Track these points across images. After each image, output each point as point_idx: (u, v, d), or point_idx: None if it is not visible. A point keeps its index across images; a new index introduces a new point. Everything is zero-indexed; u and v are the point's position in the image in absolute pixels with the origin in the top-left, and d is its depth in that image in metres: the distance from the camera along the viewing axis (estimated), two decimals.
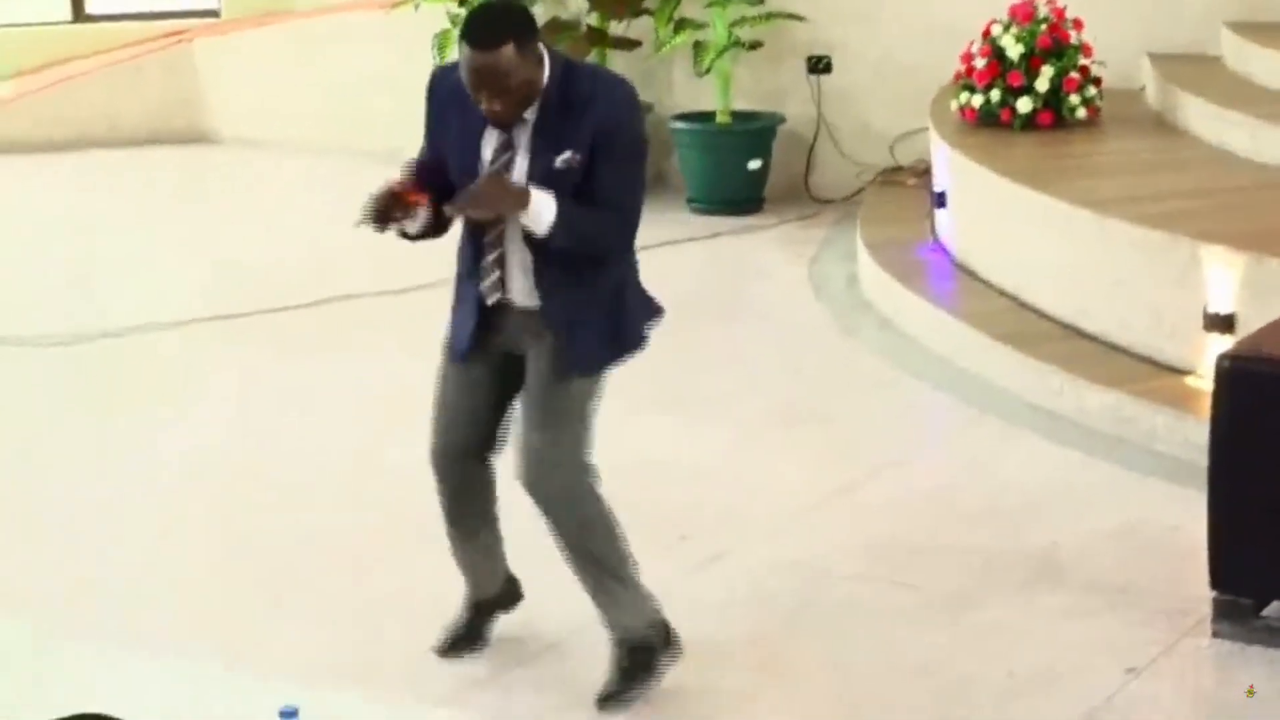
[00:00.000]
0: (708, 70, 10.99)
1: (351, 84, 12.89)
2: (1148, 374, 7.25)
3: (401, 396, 7.16)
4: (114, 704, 3.56)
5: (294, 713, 3.35)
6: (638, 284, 5.25)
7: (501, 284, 5.06)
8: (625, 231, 5.07)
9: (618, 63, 11.47)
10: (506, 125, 4.90)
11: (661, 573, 5.96)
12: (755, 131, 11.06)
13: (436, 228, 5.05)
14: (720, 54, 10.91)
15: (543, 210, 4.87)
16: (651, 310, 5.30)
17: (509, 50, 4.75)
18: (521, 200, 4.87)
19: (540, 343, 5.09)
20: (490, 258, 5.05)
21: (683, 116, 11.22)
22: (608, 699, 5.22)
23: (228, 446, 7.46)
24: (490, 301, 5.09)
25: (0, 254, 10.63)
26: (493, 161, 4.95)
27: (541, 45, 4.90)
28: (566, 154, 4.90)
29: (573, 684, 5.33)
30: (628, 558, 5.27)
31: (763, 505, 6.62)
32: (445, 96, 5.05)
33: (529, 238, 4.95)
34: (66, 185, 12.48)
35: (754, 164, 10.95)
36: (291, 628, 5.81)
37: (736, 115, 11.13)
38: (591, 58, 11.28)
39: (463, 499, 5.36)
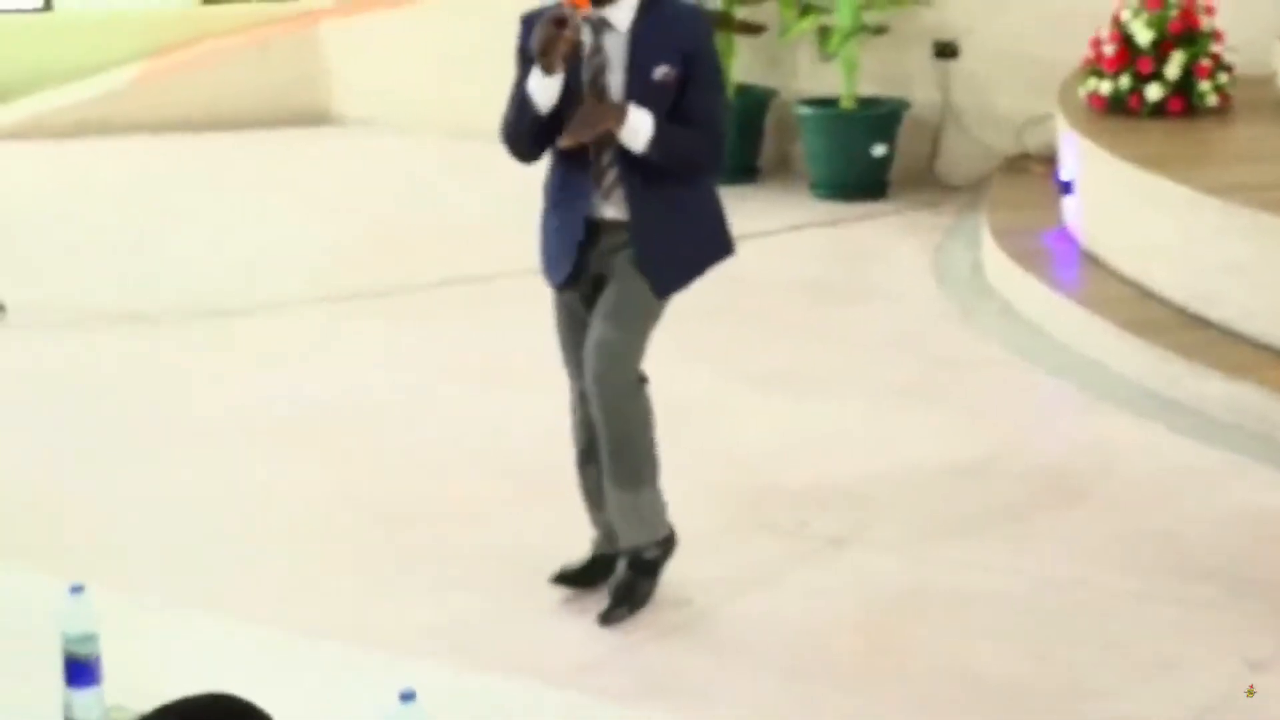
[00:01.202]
0: (833, 55, 10.93)
1: (475, 66, 12.92)
2: (1270, 363, 7.15)
3: (511, 367, 7.25)
4: (227, 678, 3.57)
5: (412, 695, 3.35)
6: (720, 216, 5.50)
7: (606, 196, 5.31)
8: (716, 153, 5.36)
9: (743, 47, 11.47)
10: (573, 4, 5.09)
11: (780, 555, 5.98)
12: (880, 117, 10.99)
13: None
14: (846, 39, 10.85)
15: (640, 126, 5.14)
16: (727, 247, 5.53)
17: None
18: (620, 115, 5.12)
19: (622, 254, 5.32)
20: (609, 174, 5.28)
21: (808, 102, 11.17)
22: (610, 614, 5.49)
23: (338, 412, 7.57)
24: (599, 214, 5.32)
25: (124, 233, 10.72)
26: (589, 65, 5.20)
27: None
28: (664, 68, 5.19)
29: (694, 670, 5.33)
30: (658, 464, 5.53)
31: (881, 487, 6.60)
32: (537, 25, 5.20)
33: (623, 153, 5.21)
34: (191, 166, 12.58)
35: (879, 150, 10.88)
36: (403, 596, 5.85)
37: (862, 100, 11.06)
38: (718, 42, 11.25)
39: (585, 423, 5.56)
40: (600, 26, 5.24)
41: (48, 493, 6.83)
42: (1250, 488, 6.45)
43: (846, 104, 11.00)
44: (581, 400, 5.51)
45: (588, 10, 5.13)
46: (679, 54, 5.21)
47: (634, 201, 5.29)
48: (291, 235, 10.57)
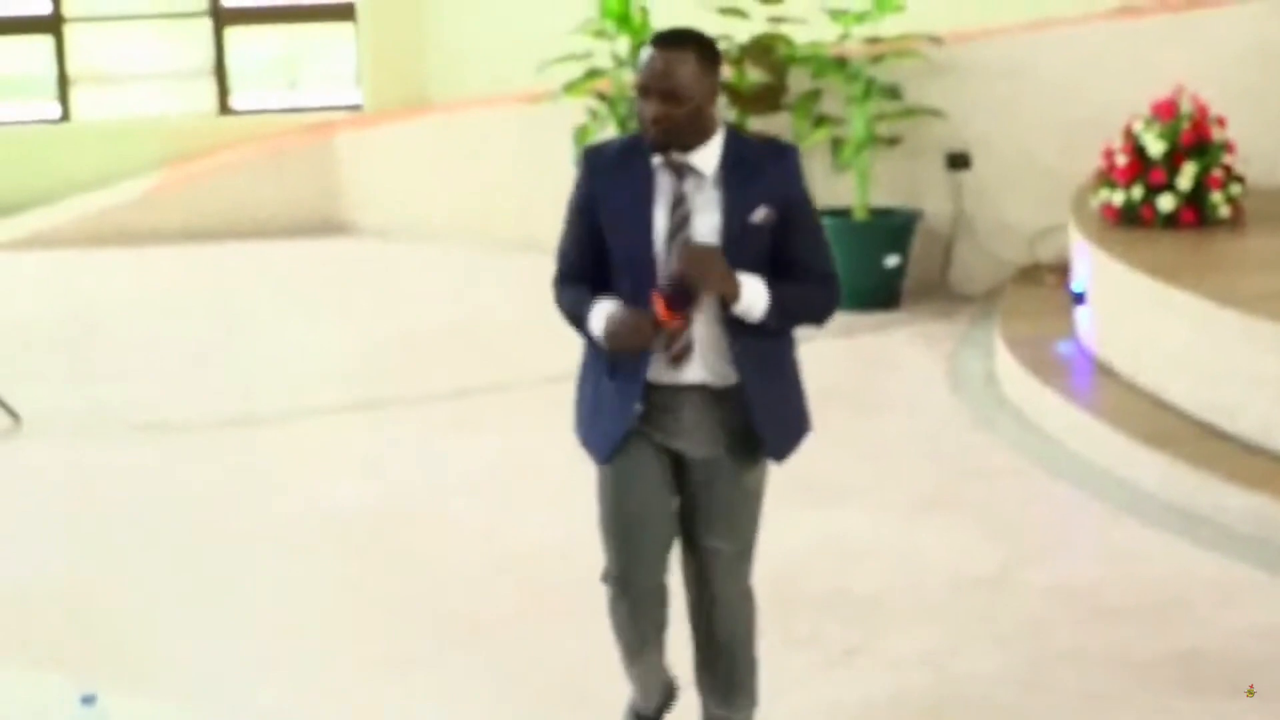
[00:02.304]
0: (847, 166, 10.99)
1: (491, 177, 13.01)
2: None
3: (538, 476, 7.22)
4: None
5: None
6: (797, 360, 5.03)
7: (684, 362, 4.79)
8: (835, 303, 4.91)
9: None
10: (664, 146, 4.67)
11: (798, 666, 5.96)
12: (894, 227, 11.04)
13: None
14: (859, 150, 10.91)
15: (755, 297, 4.67)
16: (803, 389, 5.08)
17: (691, 56, 4.63)
18: (732, 287, 4.64)
19: (717, 430, 4.85)
20: (682, 335, 4.76)
21: (821, 212, 11.16)
22: None
23: (364, 520, 7.58)
24: (667, 380, 4.80)
25: (144, 341, 10.77)
26: (670, 218, 4.71)
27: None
28: (763, 210, 4.69)
29: None
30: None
31: (900, 598, 6.58)
32: (607, 167, 4.81)
33: (727, 316, 4.73)
34: (210, 275, 12.65)
35: (892, 260, 10.92)
36: (423, 701, 5.83)
37: (875, 211, 11.11)
38: None
39: (647, 608, 5.02)
40: (684, 171, 4.73)
41: (74, 597, 6.83)
42: (1272, 602, 6.43)
43: (860, 214, 11.04)
44: (645, 573, 4.97)
45: (673, 325, 4.69)
46: (776, 194, 4.71)
47: (743, 364, 4.78)
48: (314, 343, 10.62)
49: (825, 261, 4.86)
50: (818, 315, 4.90)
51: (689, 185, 4.71)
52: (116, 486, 8.17)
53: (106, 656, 6.28)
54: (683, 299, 4.63)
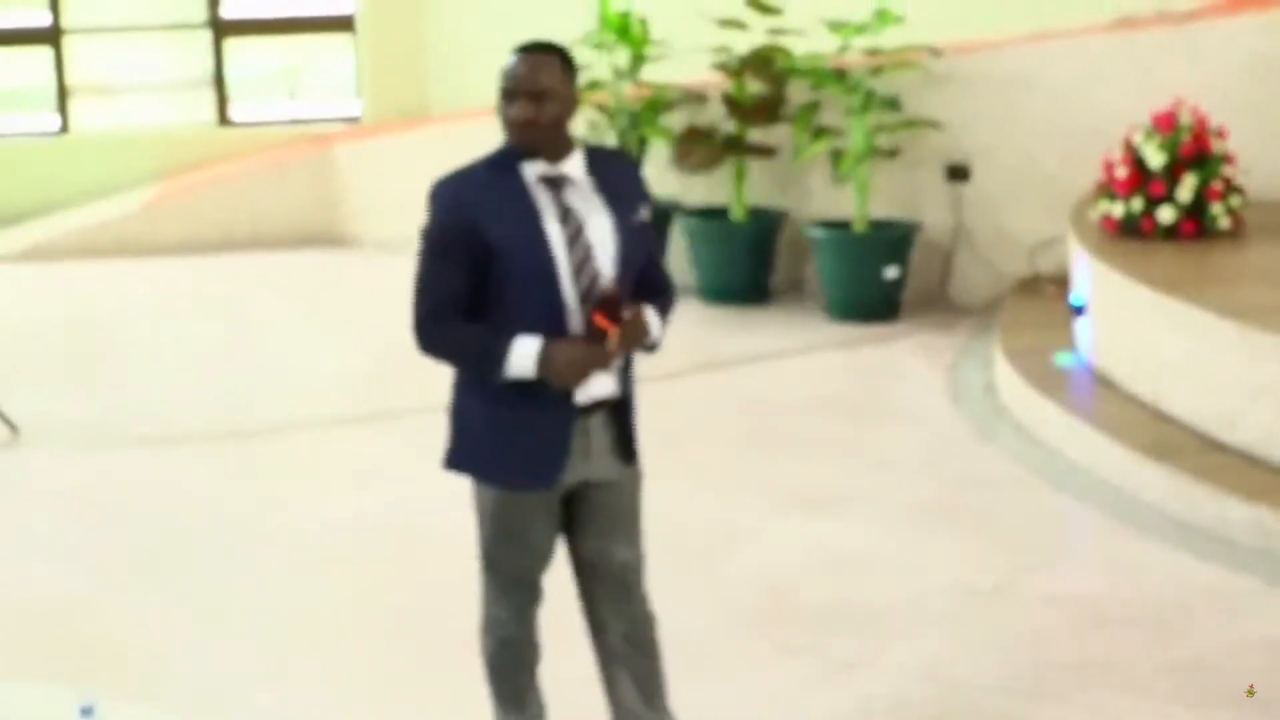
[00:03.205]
0: (845, 178, 10.99)
1: None
2: None
3: None
4: None
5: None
6: None
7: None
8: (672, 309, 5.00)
9: (755, 170, 11.54)
10: (533, 148, 4.70)
11: (797, 677, 5.95)
12: (893, 239, 11.03)
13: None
14: (858, 162, 10.91)
15: (653, 320, 4.85)
16: None
17: (556, 61, 4.73)
18: (646, 331, 4.80)
19: (615, 442, 4.90)
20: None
21: (820, 224, 11.22)
22: None
23: (373, 534, 7.57)
24: (583, 399, 4.79)
25: (144, 352, 10.77)
26: (563, 229, 4.70)
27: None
28: (643, 210, 4.85)
29: None
30: None
31: (901, 609, 6.58)
32: (477, 196, 4.75)
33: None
34: (209, 287, 12.64)
35: (891, 272, 10.92)
36: (426, 714, 5.82)
37: (874, 223, 11.11)
38: (729, 165, 11.33)
39: (534, 638, 5.09)
40: (560, 183, 4.76)
41: (74, 609, 6.83)
42: (1273, 612, 6.43)
43: (859, 226, 11.04)
44: (535, 605, 5.02)
45: (614, 341, 4.68)
46: (637, 199, 4.85)
47: (625, 375, 4.89)
48: (314, 355, 10.62)
49: (665, 268, 5.04)
50: (669, 317, 4.99)
51: (570, 196, 4.75)
52: (117, 498, 8.17)
53: (107, 668, 6.28)
54: (616, 308, 4.67)
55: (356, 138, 14.15)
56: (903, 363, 10.05)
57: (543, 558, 4.93)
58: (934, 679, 5.97)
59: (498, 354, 4.66)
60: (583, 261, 4.70)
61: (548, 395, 4.71)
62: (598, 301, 4.69)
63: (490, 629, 5.03)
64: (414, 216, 14.46)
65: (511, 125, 4.72)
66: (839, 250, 11.05)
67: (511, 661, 5.04)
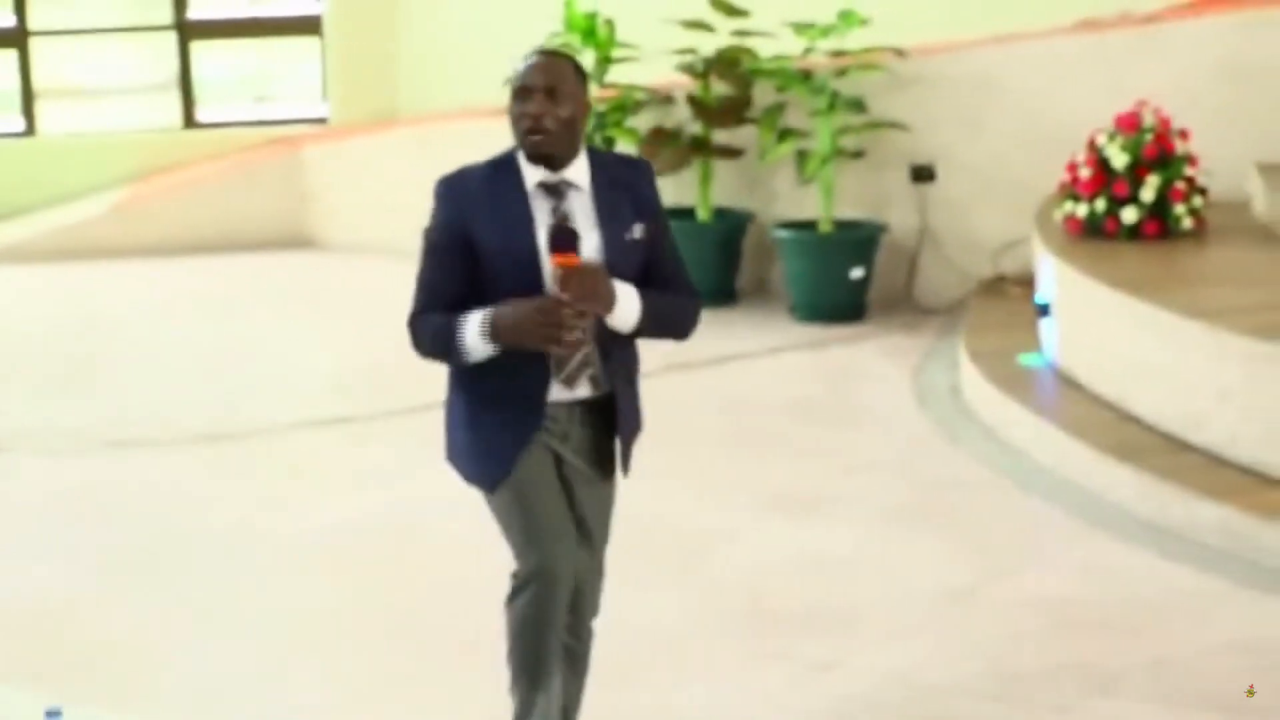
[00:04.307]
0: (811, 179, 11.04)
1: None
2: (1258, 487, 7.20)
3: None
4: None
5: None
6: None
7: (577, 379, 4.79)
8: (698, 319, 4.92)
9: (721, 171, 11.58)
10: (544, 150, 4.67)
11: (771, 680, 5.99)
12: (858, 240, 11.09)
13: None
14: (824, 163, 10.97)
15: (629, 306, 4.71)
16: None
17: (570, 67, 4.73)
18: (611, 297, 4.67)
19: (594, 443, 4.89)
20: (581, 352, 4.76)
21: (786, 225, 11.27)
22: None
23: (354, 535, 7.61)
24: (562, 397, 4.78)
25: (119, 356, 10.76)
26: (551, 225, 4.68)
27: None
28: (638, 226, 4.79)
29: None
30: None
31: (872, 612, 6.62)
32: (475, 194, 4.75)
33: (601, 328, 4.75)
34: (181, 289, 12.62)
35: (857, 272, 10.97)
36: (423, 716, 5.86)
37: (839, 224, 11.17)
38: (695, 166, 11.37)
39: (561, 611, 4.90)
40: (561, 190, 4.75)
41: (61, 615, 6.83)
42: (1240, 614, 6.48)
43: (824, 227, 11.10)
44: (562, 599, 4.86)
45: (563, 277, 4.61)
46: (644, 208, 4.82)
47: (612, 379, 4.83)
48: (293, 358, 10.63)
49: (688, 277, 4.93)
50: (683, 327, 4.90)
51: (569, 204, 4.74)
52: (107, 500, 8.16)
53: (103, 670, 6.29)
54: (568, 240, 4.63)
55: (325, 140, 14.15)
56: (869, 364, 10.10)
57: (557, 519, 4.82)
58: (907, 681, 6.01)
59: (456, 336, 4.68)
60: None
61: (518, 395, 4.75)
62: (551, 240, 4.65)
63: (511, 598, 4.87)
64: (384, 219, 14.49)
65: (522, 122, 4.69)
66: (805, 251, 11.10)
67: (533, 630, 4.85)
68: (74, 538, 7.69)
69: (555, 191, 4.74)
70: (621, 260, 4.74)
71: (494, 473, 4.80)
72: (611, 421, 4.87)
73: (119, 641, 6.58)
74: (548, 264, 4.66)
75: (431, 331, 4.76)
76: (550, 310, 4.58)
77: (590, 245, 4.71)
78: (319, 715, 5.95)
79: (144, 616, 6.83)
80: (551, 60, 4.72)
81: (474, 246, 4.70)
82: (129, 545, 7.58)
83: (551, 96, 4.66)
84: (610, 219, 4.75)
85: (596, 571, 5.01)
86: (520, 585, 4.84)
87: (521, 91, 4.69)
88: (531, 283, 4.66)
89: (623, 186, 4.80)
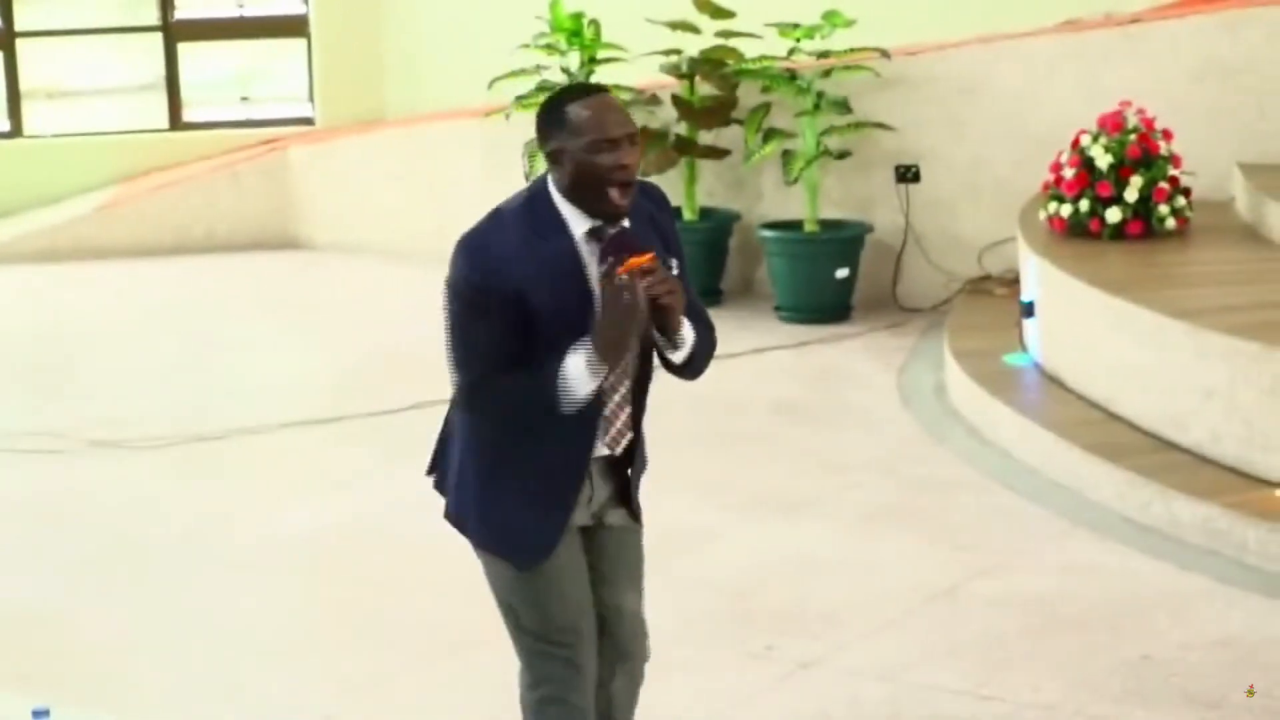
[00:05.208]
0: (796, 179, 11.06)
1: (442, 192, 13.03)
2: (1240, 486, 7.22)
3: None
4: None
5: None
6: None
7: (607, 429, 4.46)
8: (714, 349, 4.56)
9: (707, 171, 11.60)
10: (623, 210, 4.28)
11: (754, 679, 6.01)
12: (843, 240, 11.11)
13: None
14: (809, 163, 10.98)
15: (688, 329, 4.38)
16: None
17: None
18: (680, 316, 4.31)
19: (619, 493, 4.61)
20: (619, 394, 4.47)
21: (771, 225, 11.29)
22: None
23: (335, 539, 7.61)
24: (611, 452, 4.49)
25: (103, 359, 10.76)
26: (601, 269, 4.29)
27: None
28: (673, 261, 4.40)
29: None
30: None
31: (856, 611, 6.64)
32: (517, 257, 4.27)
33: (643, 367, 4.48)
34: (165, 290, 12.63)
35: (842, 272, 11.00)
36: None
37: (825, 224, 11.19)
38: (681, 167, 11.39)
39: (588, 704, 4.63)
40: (605, 234, 4.35)
41: (34, 619, 6.85)
42: (1223, 612, 6.50)
43: (809, 227, 11.12)
44: (590, 658, 4.58)
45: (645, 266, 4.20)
46: (669, 238, 4.46)
47: (637, 422, 4.57)
48: (275, 361, 10.65)
49: (704, 308, 4.57)
50: (708, 361, 4.55)
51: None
52: (77, 507, 8.18)
53: (69, 676, 6.30)
54: (631, 242, 4.28)
55: (311, 141, 14.16)
56: (854, 364, 10.12)
57: (582, 605, 4.56)
58: (890, 679, 6.03)
59: (557, 375, 4.26)
60: None
61: (561, 455, 4.42)
62: (613, 250, 4.28)
63: (535, 686, 4.58)
64: (370, 220, 14.48)
65: (616, 175, 4.24)
66: (790, 251, 11.13)
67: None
68: (46, 541, 7.70)
69: (598, 236, 4.33)
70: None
71: (532, 552, 4.46)
72: (625, 466, 4.60)
73: (85, 647, 6.58)
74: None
75: (510, 391, 4.33)
76: (636, 308, 4.21)
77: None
78: (292, 715, 5.96)
79: (118, 619, 6.84)
80: (613, 100, 4.32)
81: (525, 308, 4.25)
82: (103, 548, 7.58)
83: (634, 143, 4.28)
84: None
85: (642, 614, 4.73)
86: (552, 694, 4.55)
87: (608, 143, 4.22)
88: (581, 334, 4.28)
89: (647, 218, 4.42)
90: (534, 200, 4.37)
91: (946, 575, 6.94)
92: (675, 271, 4.36)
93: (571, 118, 4.26)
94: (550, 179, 4.35)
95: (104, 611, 6.93)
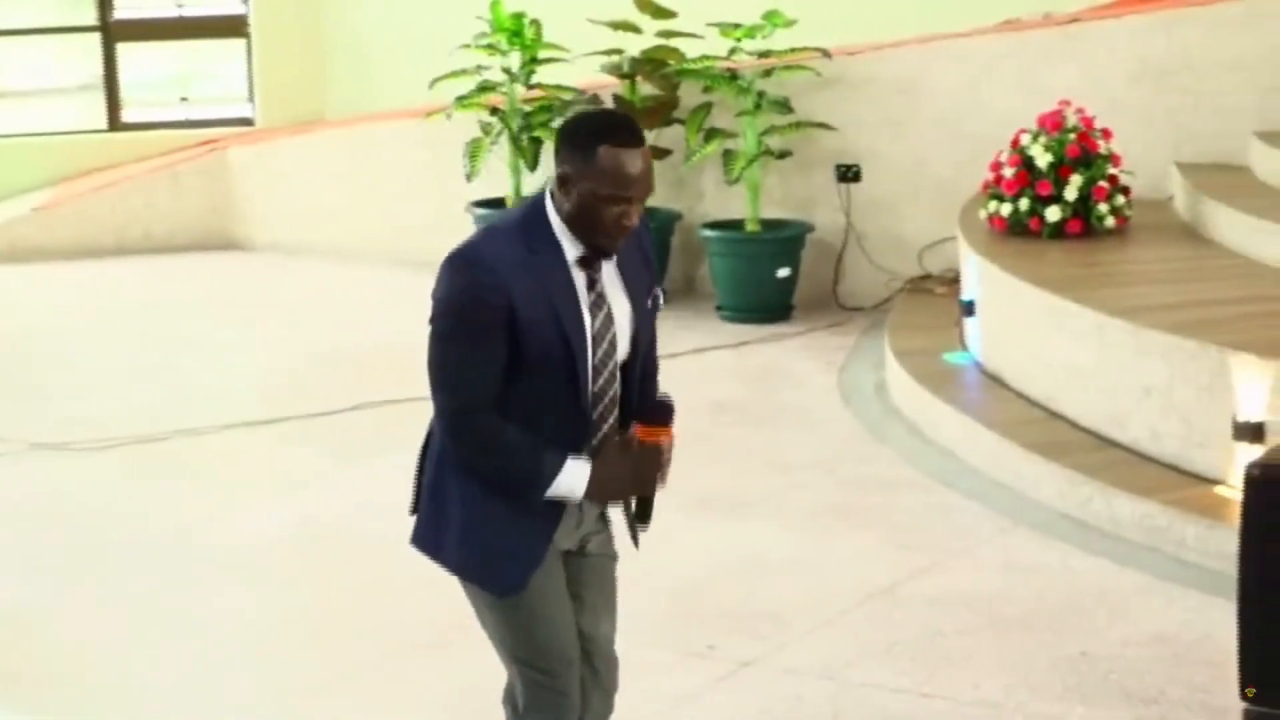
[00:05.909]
0: (738, 179, 11.07)
1: (384, 192, 13.01)
2: (1178, 483, 7.27)
3: None
4: None
5: None
6: None
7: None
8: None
9: None
10: (614, 252, 4.25)
11: (697, 678, 6.02)
12: (784, 240, 11.13)
13: None
14: (750, 163, 11.00)
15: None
16: None
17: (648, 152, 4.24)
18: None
19: (602, 519, 4.56)
20: (599, 433, 4.37)
21: (712, 225, 11.31)
22: None
23: (294, 541, 7.60)
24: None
25: (47, 361, 10.70)
26: (597, 313, 4.25)
27: None
28: (658, 291, 4.41)
29: None
30: None
31: (798, 610, 6.65)
32: (516, 274, 4.16)
33: (623, 407, 4.39)
34: (106, 292, 12.57)
35: (783, 272, 11.02)
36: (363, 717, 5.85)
37: (766, 223, 11.21)
38: None
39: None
40: (594, 262, 4.29)
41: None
42: (1162, 608, 6.54)
43: (751, 227, 11.14)
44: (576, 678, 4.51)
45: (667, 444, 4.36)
46: (650, 265, 4.44)
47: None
48: (222, 362, 10.60)
49: (657, 357, 4.56)
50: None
51: (602, 273, 4.29)
52: (28, 509, 8.14)
53: (33, 679, 6.28)
54: (667, 415, 4.38)
55: (251, 141, 14.12)
56: (795, 363, 10.14)
57: (570, 633, 4.48)
58: (830, 679, 6.04)
59: (546, 472, 4.23)
60: (609, 346, 4.28)
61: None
62: (648, 415, 4.37)
63: (526, 712, 4.51)
64: (310, 220, 14.45)
65: (614, 229, 4.17)
66: (731, 251, 11.14)
67: None
68: (4, 544, 7.66)
69: (589, 263, 4.26)
70: (646, 327, 4.39)
71: (513, 579, 4.33)
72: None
73: (49, 649, 6.55)
74: (589, 342, 4.25)
75: (499, 447, 4.24)
76: (657, 460, 4.38)
77: (622, 314, 4.30)
78: (258, 715, 5.94)
79: (80, 622, 6.81)
80: (644, 156, 4.17)
81: (515, 327, 4.16)
82: (62, 551, 7.53)
83: (644, 199, 4.19)
84: (635, 286, 4.34)
85: (611, 643, 4.63)
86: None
87: (618, 199, 4.13)
88: (571, 359, 4.22)
89: (632, 249, 4.33)
90: (530, 217, 4.28)
91: (888, 574, 6.96)
92: (660, 303, 4.39)
93: (600, 160, 4.12)
94: (549, 195, 4.26)
95: (62, 615, 6.87)
